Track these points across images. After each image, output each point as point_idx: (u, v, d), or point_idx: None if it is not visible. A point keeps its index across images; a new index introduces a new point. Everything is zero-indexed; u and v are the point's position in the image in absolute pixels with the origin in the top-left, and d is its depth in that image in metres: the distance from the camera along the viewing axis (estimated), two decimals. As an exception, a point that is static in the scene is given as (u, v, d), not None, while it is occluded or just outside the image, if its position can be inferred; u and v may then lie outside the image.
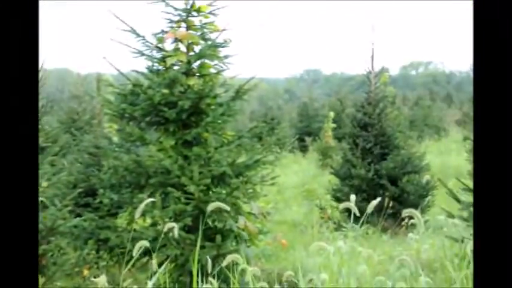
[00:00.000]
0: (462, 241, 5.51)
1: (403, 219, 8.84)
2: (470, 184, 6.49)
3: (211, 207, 4.13)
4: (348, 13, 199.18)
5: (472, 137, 6.61)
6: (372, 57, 11.44)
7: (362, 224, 4.22)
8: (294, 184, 15.85)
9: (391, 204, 9.63)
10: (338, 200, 11.19)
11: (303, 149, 25.17)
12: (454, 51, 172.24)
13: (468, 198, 6.30)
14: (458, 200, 6.16)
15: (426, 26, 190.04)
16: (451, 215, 5.96)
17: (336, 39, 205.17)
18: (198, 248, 4.22)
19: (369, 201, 4.15)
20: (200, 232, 4.85)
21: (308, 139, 24.86)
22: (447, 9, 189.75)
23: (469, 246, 4.86)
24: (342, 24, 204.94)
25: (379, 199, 4.20)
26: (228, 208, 4.13)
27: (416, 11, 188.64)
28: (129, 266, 4.07)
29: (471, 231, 6.11)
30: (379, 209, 10.15)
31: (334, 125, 20.63)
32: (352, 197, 4.13)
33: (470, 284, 4.80)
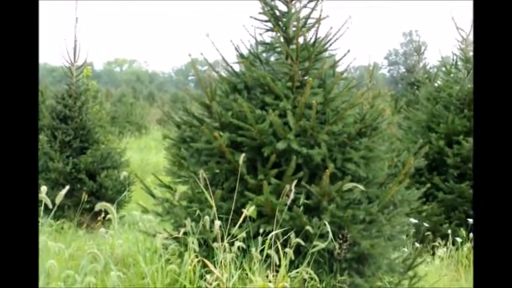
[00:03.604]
0: (154, 235, 5.67)
1: (99, 214, 8.82)
2: (166, 180, 6.71)
3: None
4: (53, 3, 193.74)
5: (171, 135, 6.83)
6: (75, 49, 11.24)
7: (58, 217, 4.12)
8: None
9: (88, 199, 9.51)
10: (34, 194, 10.76)
11: (-2, 140, 23.74)
12: (157, 52, 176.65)
13: (163, 193, 6.49)
14: (153, 196, 6.31)
15: (131, 24, 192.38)
16: (146, 210, 6.09)
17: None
18: None
19: (66, 196, 4.06)
20: None
21: (4, 130, 23.50)
22: (160, 9, 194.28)
23: (159, 240, 5.02)
24: (47, 14, 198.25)
25: (67, 188, 4.14)
26: None
27: (122, 8, 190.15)
28: None
29: (164, 225, 6.32)
30: (76, 203, 10.06)
31: (33, 117, 19.77)
32: (43, 188, 4.01)
33: (161, 276, 4.97)
